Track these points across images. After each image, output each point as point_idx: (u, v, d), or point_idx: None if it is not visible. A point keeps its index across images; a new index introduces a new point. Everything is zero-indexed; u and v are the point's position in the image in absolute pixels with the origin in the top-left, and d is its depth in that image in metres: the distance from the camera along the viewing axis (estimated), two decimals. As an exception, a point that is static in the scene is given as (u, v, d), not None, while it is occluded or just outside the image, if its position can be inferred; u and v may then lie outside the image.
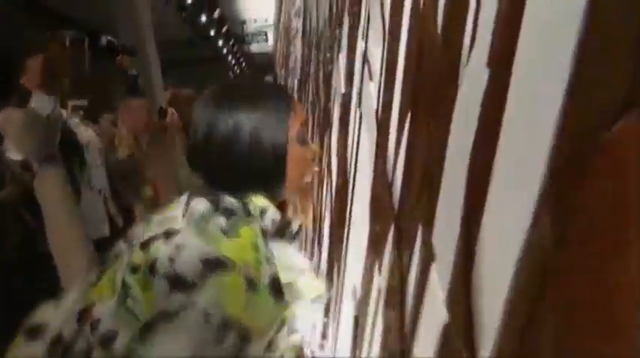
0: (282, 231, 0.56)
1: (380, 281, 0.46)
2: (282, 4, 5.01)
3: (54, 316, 0.50)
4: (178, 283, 0.44)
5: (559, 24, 0.19)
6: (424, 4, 0.37)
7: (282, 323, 0.49)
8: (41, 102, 0.72)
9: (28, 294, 0.53)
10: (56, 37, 0.67)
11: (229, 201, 0.52)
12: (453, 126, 0.30)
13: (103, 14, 6.06)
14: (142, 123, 1.63)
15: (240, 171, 0.52)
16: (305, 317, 0.59)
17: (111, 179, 1.60)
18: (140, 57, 6.14)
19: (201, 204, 0.51)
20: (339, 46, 0.77)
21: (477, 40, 0.27)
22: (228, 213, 0.51)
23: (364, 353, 0.52)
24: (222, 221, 0.49)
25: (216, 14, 5.51)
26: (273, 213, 0.54)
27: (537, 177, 0.20)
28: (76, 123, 1.64)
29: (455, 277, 0.29)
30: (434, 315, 0.33)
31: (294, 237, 0.58)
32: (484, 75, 0.26)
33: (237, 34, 8.55)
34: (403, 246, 0.39)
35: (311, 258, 1.12)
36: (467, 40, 0.29)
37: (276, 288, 0.48)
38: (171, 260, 0.45)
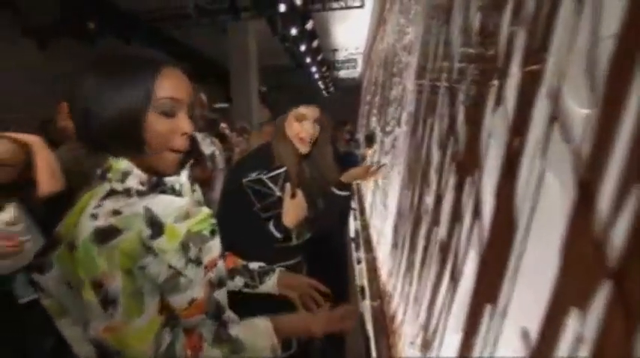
0: (156, 187, 0.65)
1: (579, 329, 0.50)
2: (379, 34, 5.22)
3: None
4: None
5: None
6: None
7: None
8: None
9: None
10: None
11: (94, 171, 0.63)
12: None
13: (218, 44, 6.99)
14: None
15: (100, 135, 0.61)
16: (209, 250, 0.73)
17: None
18: (244, 79, 6.94)
19: None
20: (502, 97, 0.84)
21: None
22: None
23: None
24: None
25: (314, 44, 5.96)
26: (137, 175, 0.62)
27: None
28: (201, 136, 1.93)
29: None
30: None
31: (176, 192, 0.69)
32: None
33: (329, 60, 9.06)
34: (628, 302, 0.43)
35: (436, 290, 1.15)
36: None
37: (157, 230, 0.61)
38: None
